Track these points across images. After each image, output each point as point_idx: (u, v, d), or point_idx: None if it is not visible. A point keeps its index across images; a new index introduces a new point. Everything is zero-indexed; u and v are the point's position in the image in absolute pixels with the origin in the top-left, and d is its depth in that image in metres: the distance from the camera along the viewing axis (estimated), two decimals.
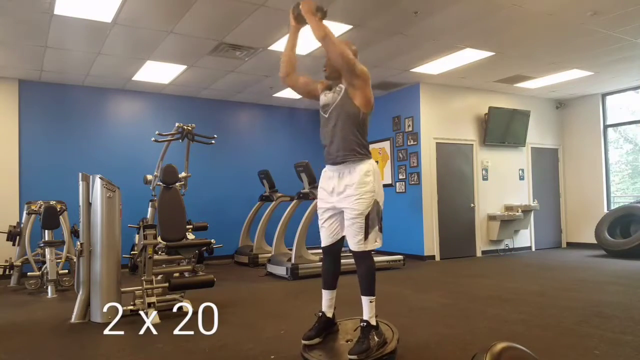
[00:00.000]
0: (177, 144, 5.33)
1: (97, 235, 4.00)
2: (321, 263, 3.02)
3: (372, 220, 2.66)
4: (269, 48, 5.89)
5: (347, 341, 2.82)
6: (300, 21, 2.78)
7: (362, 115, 2.72)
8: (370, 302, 2.69)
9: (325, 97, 2.84)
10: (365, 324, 2.66)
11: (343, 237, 2.84)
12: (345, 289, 3.18)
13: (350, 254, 2.81)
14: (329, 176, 2.81)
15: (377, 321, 2.73)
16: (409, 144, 8.02)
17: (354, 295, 2.84)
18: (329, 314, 2.88)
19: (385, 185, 8.41)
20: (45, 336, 3.64)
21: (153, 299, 4.01)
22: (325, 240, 2.86)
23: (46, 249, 5.40)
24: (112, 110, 7.70)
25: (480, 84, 8.04)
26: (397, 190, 8.27)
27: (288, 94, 8.23)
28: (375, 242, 2.71)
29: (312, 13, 2.67)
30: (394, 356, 2.72)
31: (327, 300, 2.88)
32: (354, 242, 2.70)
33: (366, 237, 2.66)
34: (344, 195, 2.70)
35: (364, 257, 2.71)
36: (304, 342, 2.78)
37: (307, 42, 5.68)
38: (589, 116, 9.09)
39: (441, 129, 8.03)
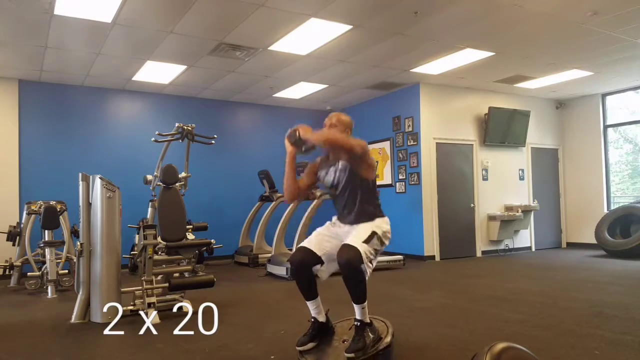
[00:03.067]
0: (177, 144, 5.32)
1: (97, 236, 4.00)
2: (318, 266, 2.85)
3: (376, 241, 2.64)
4: (269, 48, 5.88)
5: (343, 341, 2.79)
6: (298, 145, 2.76)
7: (371, 182, 2.82)
8: (362, 308, 2.64)
9: (328, 177, 2.86)
10: (358, 322, 2.65)
11: (319, 261, 2.72)
12: (338, 290, 3.16)
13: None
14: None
15: (370, 318, 2.72)
16: (409, 144, 8.02)
17: (347, 295, 2.80)
18: (321, 319, 2.83)
19: (385, 186, 8.42)
20: (45, 336, 3.64)
21: (153, 299, 4.01)
22: (310, 243, 2.73)
23: (46, 249, 5.40)
24: (112, 111, 7.70)
25: (480, 84, 8.04)
26: (397, 191, 8.26)
27: (288, 94, 8.23)
28: (370, 261, 2.56)
29: (311, 131, 2.72)
30: (390, 350, 2.72)
31: (313, 309, 2.83)
32: (352, 236, 2.58)
33: (367, 242, 2.56)
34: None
35: (351, 262, 2.47)
36: (297, 348, 2.74)
37: (307, 42, 5.72)
38: (589, 116, 9.08)
39: (441, 129, 8.03)
